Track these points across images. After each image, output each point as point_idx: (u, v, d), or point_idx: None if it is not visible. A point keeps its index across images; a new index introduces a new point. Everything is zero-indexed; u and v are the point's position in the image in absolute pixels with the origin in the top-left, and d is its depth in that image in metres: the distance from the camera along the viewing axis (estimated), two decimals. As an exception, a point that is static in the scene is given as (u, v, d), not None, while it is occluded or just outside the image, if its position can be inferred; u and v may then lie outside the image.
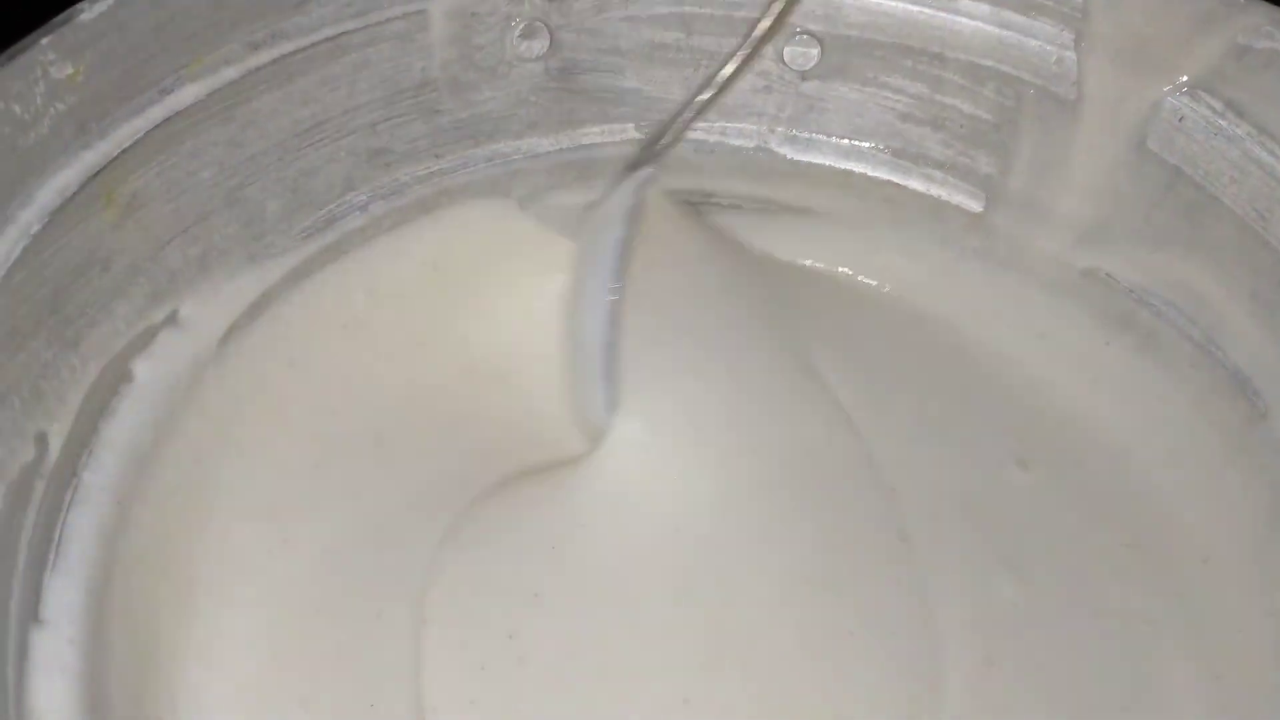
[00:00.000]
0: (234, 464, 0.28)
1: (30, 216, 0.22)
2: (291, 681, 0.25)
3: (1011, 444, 0.29)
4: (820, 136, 0.33)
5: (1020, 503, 0.29)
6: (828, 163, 0.33)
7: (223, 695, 0.25)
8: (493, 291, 0.31)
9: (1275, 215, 0.26)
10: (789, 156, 0.33)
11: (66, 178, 0.23)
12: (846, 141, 0.32)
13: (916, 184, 0.32)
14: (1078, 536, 0.28)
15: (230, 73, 0.26)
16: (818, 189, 0.33)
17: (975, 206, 0.32)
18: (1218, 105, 0.27)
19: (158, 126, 0.25)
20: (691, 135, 0.32)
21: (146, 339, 0.26)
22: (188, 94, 0.25)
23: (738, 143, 0.33)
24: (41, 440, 0.23)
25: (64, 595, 0.23)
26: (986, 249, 0.31)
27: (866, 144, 0.32)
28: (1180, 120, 0.27)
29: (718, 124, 0.32)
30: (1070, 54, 0.29)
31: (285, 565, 0.27)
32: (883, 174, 0.33)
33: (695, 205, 0.33)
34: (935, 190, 0.32)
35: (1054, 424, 0.30)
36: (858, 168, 0.33)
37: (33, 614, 0.22)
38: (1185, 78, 0.27)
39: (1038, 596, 0.27)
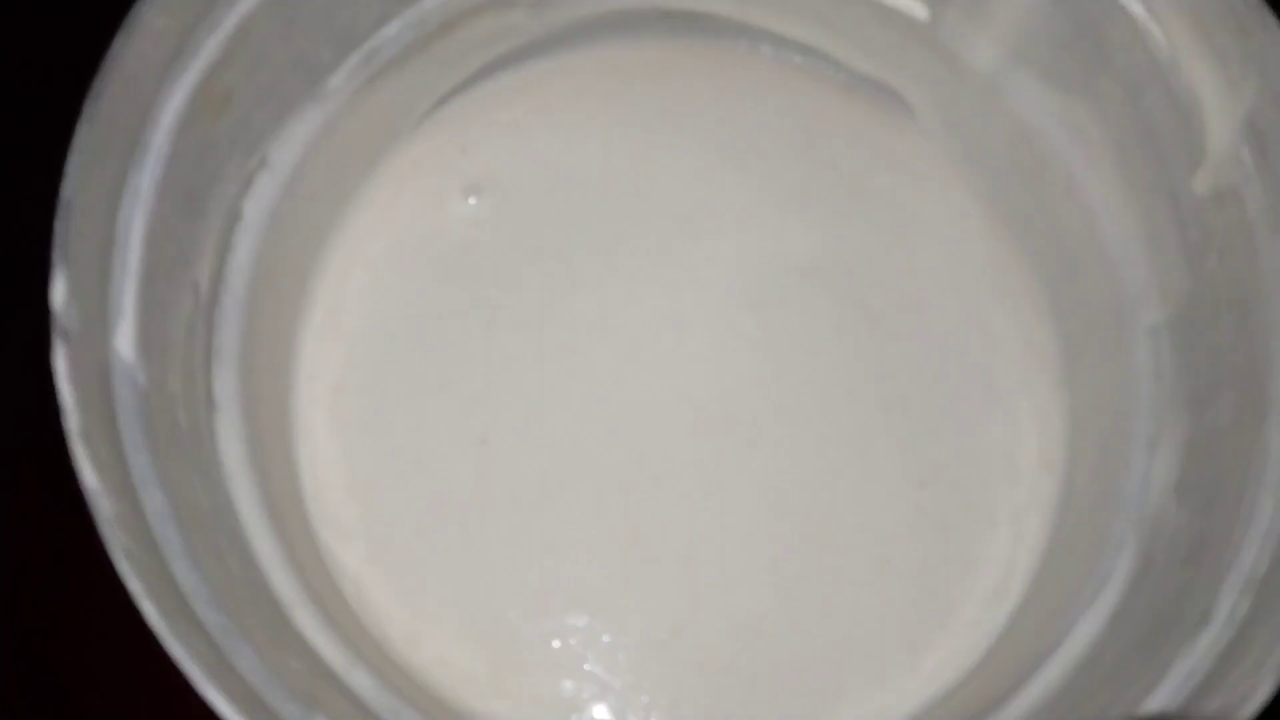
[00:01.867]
0: (325, 271, 0.37)
1: (160, 139, 0.30)
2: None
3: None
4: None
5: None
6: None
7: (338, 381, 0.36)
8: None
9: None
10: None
11: (178, 101, 0.31)
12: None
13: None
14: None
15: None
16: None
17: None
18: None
19: (232, 35, 0.32)
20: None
21: (247, 183, 0.35)
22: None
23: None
24: (195, 288, 0.33)
25: (226, 385, 0.33)
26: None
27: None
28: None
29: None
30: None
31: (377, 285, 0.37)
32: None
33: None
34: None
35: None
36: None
37: (211, 405, 0.33)
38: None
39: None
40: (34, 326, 0.25)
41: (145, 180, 0.30)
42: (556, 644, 0.33)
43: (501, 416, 0.35)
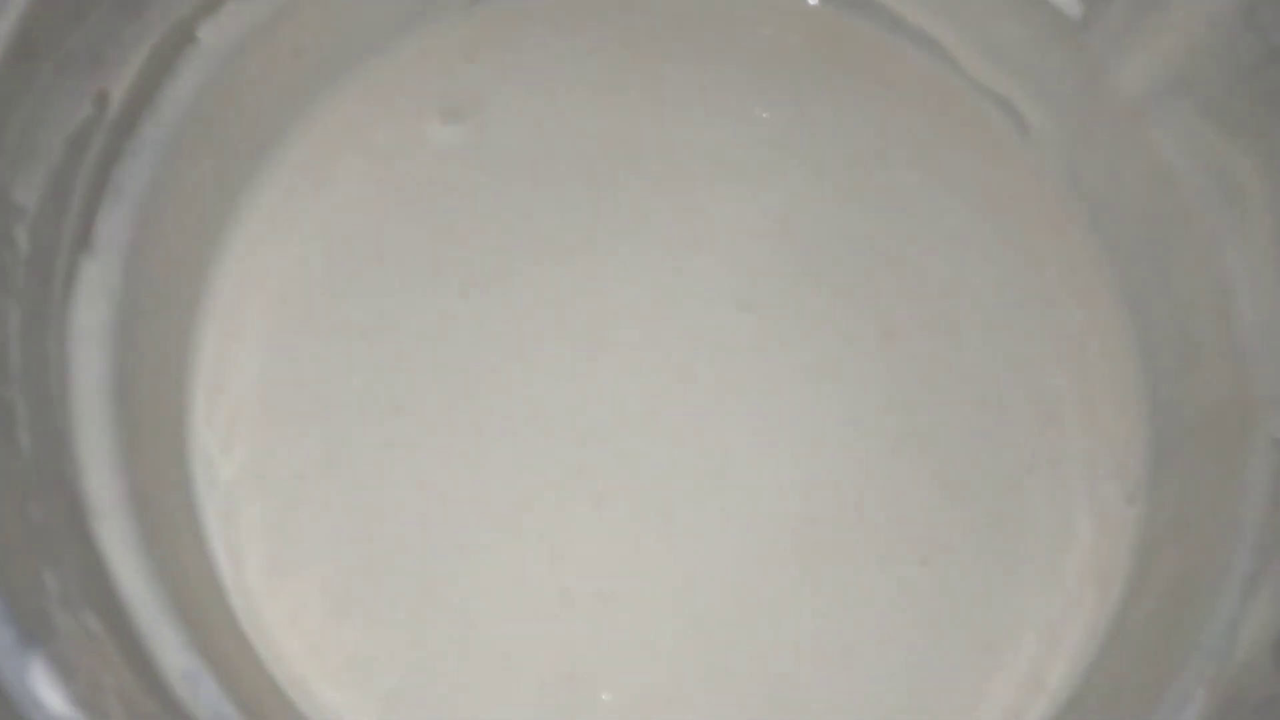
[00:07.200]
0: (284, 125, 0.31)
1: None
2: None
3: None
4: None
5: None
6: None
7: (251, 319, 0.30)
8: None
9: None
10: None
11: None
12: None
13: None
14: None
15: None
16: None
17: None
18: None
19: None
20: None
21: (213, 5, 0.29)
22: None
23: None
24: (102, 98, 0.26)
25: (115, 229, 0.27)
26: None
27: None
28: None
29: None
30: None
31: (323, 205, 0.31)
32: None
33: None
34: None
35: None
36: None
37: (85, 244, 0.26)
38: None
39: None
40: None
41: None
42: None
43: (424, 387, 0.29)
